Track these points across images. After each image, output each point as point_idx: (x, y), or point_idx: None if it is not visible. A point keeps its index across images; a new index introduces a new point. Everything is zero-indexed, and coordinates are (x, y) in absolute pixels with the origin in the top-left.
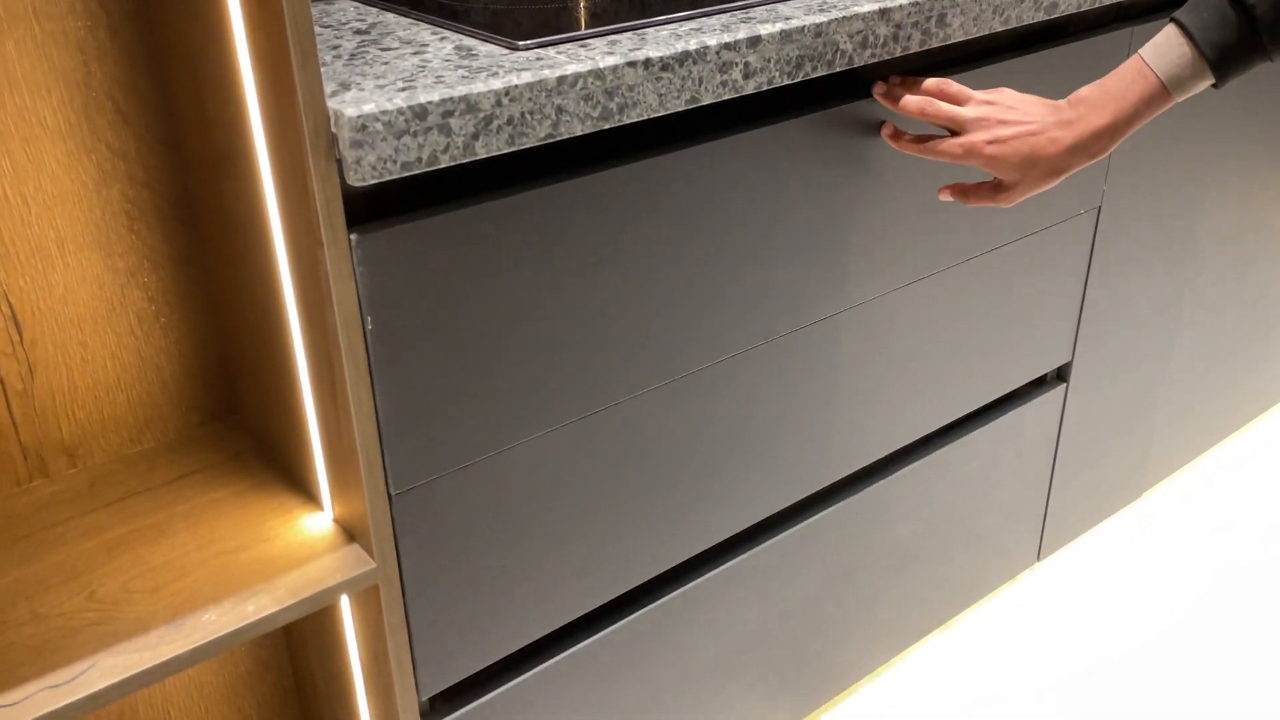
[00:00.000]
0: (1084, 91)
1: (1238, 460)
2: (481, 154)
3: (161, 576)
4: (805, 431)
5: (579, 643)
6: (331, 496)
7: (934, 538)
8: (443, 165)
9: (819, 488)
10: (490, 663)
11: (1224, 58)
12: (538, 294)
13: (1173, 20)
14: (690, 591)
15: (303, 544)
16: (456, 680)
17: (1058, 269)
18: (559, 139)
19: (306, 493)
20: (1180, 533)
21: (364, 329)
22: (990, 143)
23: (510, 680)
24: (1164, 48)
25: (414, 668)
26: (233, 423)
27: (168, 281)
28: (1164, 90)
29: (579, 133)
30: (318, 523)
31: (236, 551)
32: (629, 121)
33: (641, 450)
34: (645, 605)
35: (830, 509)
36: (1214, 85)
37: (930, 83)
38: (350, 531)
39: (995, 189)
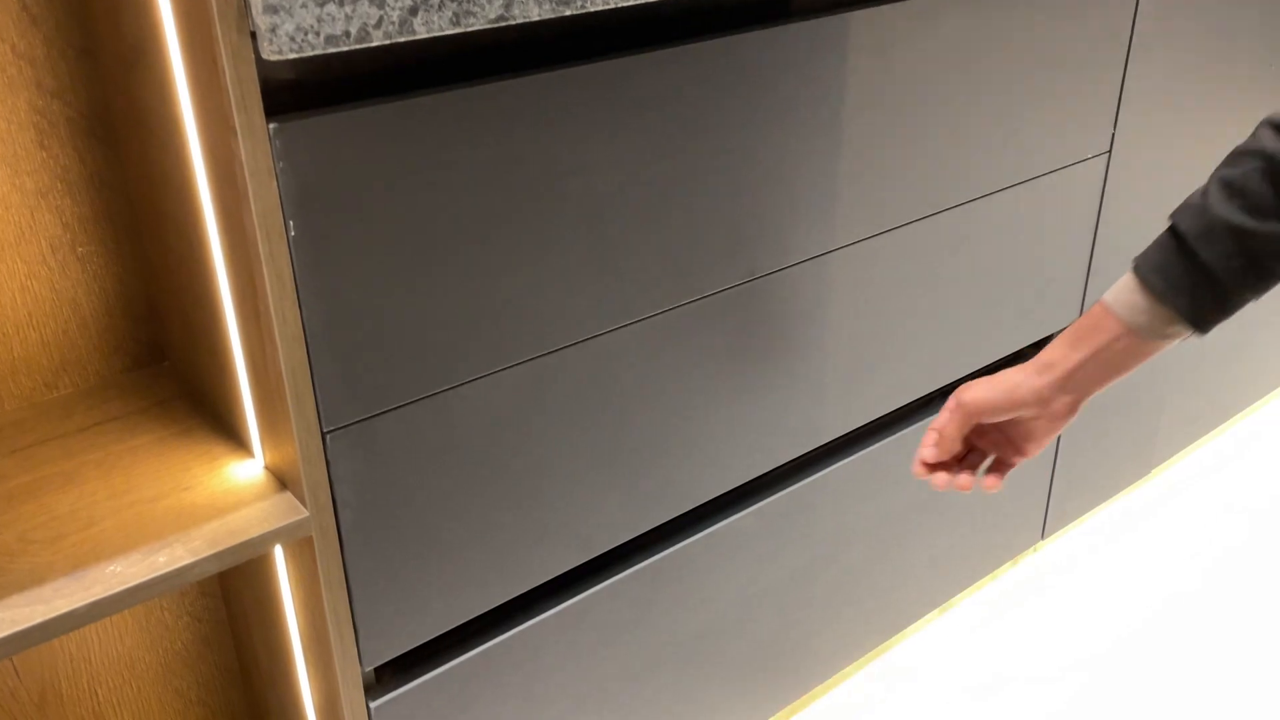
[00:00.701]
0: (1074, 363)
1: (1251, 437)
2: (421, 33)
3: (65, 526)
4: (794, 386)
5: (541, 613)
6: (261, 440)
7: (933, 511)
8: (375, 42)
9: (809, 449)
10: (441, 632)
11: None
12: (489, 207)
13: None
14: (665, 560)
15: (227, 492)
16: (403, 650)
17: (1067, 215)
18: (512, 23)
19: (236, 439)
20: (1188, 513)
21: (286, 234)
22: (1016, 456)
23: (463, 653)
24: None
25: (355, 634)
26: (162, 369)
27: (84, 206)
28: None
29: (535, 17)
30: (246, 470)
31: (152, 500)
32: (593, 9)
33: (609, 397)
34: (615, 573)
35: (821, 473)
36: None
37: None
38: (282, 479)
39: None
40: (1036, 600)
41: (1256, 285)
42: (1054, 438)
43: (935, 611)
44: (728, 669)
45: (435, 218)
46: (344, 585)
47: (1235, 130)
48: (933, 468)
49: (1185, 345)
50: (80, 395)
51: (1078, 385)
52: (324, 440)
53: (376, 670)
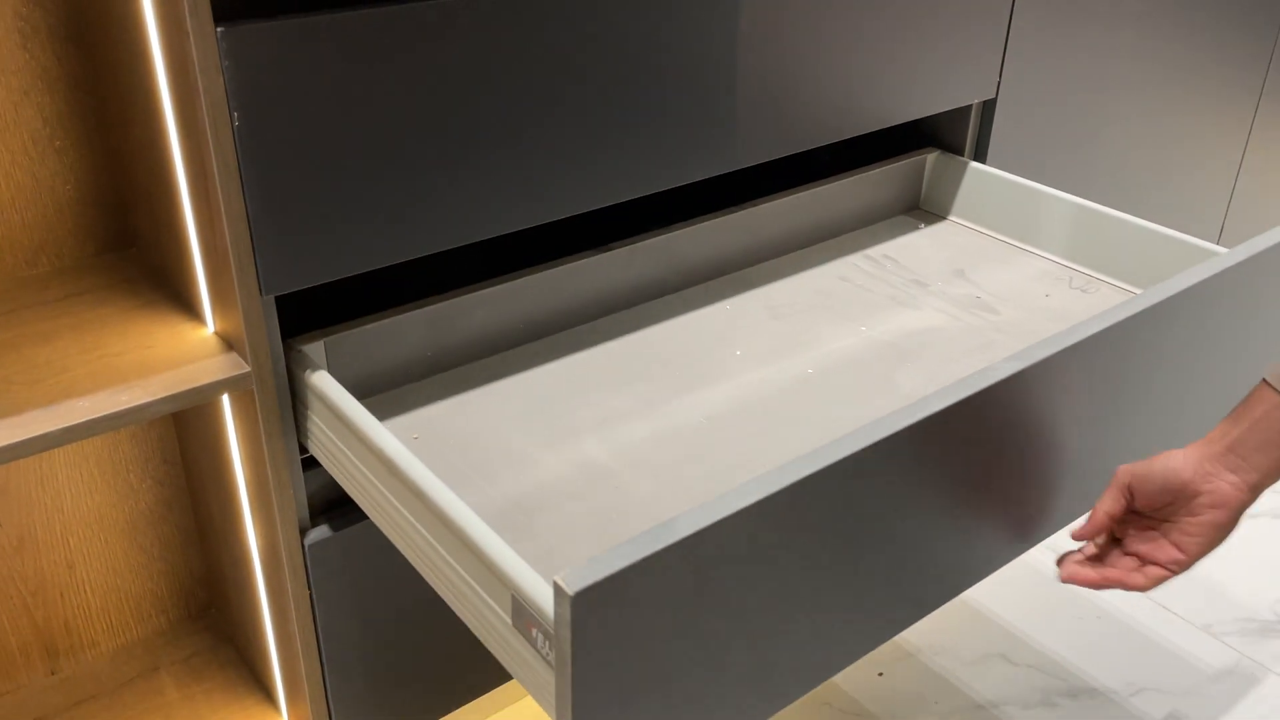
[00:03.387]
0: (1234, 436)
1: None
2: None
3: (42, 372)
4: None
5: None
6: (212, 309)
7: None
8: None
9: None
10: None
11: None
12: (427, 113)
13: None
14: None
15: (182, 351)
16: (338, 496)
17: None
18: None
19: (192, 312)
20: None
21: (231, 125)
22: (1176, 557)
23: None
24: None
25: (292, 479)
26: (130, 255)
27: (61, 104)
28: None
29: None
30: (199, 335)
31: (118, 355)
32: None
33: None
34: None
35: None
36: None
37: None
38: (229, 342)
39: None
40: None
41: None
42: (1218, 537)
43: None
44: None
45: (364, 118)
46: (281, 435)
47: (1124, 80)
48: (1079, 568)
49: None
50: (56, 273)
51: (1241, 460)
52: (264, 305)
53: (312, 515)
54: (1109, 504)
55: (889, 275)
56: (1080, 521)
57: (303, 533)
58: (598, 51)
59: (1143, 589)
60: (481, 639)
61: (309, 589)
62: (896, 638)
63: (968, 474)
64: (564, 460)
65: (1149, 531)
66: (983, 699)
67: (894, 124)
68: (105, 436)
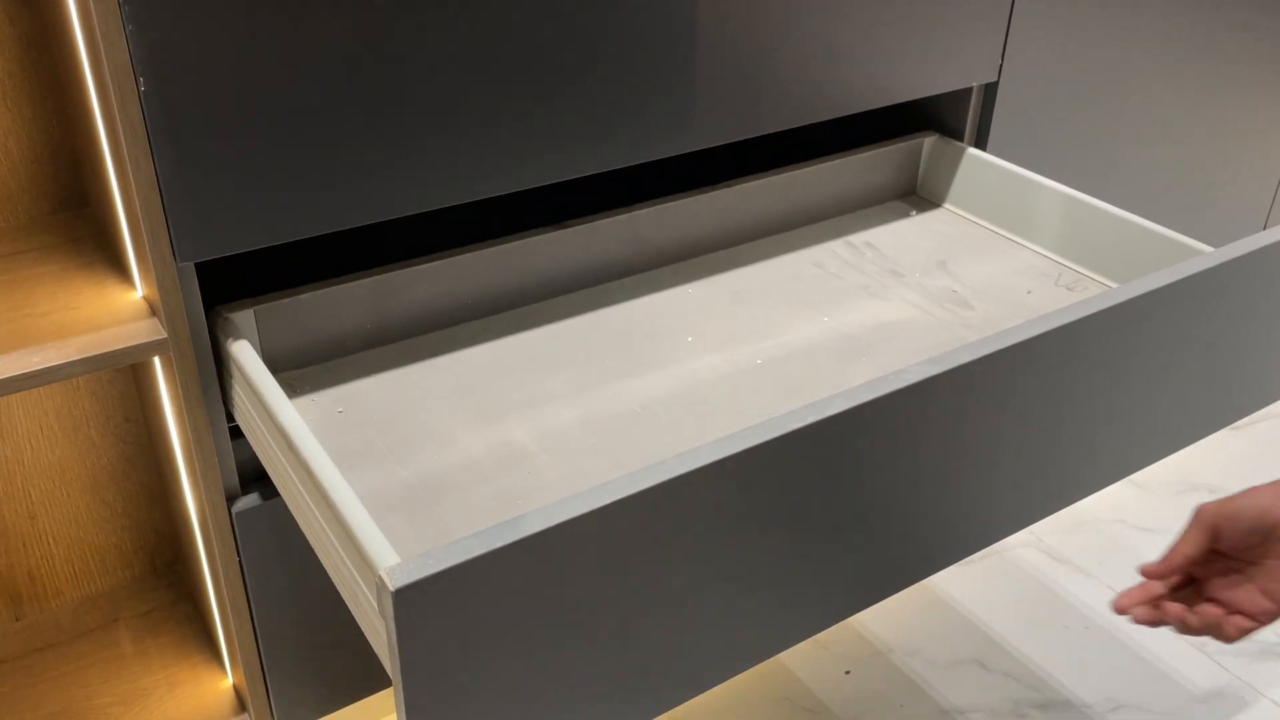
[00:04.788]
0: None
1: None
2: None
3: None
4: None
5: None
6: (139, 274)
7: None
8: None
9: None
10: None
11: None
12: (354, 74)
13: None
14: None
15: (106, 314)
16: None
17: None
18: None
19: (126, 274)
20: None
21: (137, 89)
22: (1265, 605)
23: None
24: None
25: (216, 446)
26: (84, 214)
27: (13, 64)
28: None
29: None
30: (127, 298)
31: (42, 315)
32: None
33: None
34: None
35: None
36: None
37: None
38: (153, 307)
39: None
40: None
41: None
42: None
43: None
44: None
45: (281, 80)
46: (202, 402)
47: (1141, 63)
48: (1143, 602)
49: None
50: (8, 230)
51: None
52: (181, 271)
53: (245, 483)
54: (1189, 546)
55: (865, 264)
56: (1153, 559)
57: (230, 500)
58: (544, 5)
59: (1229, 640)
60: (358, 620)
61: (238, 556)
62: (869, 635)
63: (873, 482)
64: (484, 441)
65: (1233, 575)
66: (950, 704)
67: (881, 105)
68: (64, 393)
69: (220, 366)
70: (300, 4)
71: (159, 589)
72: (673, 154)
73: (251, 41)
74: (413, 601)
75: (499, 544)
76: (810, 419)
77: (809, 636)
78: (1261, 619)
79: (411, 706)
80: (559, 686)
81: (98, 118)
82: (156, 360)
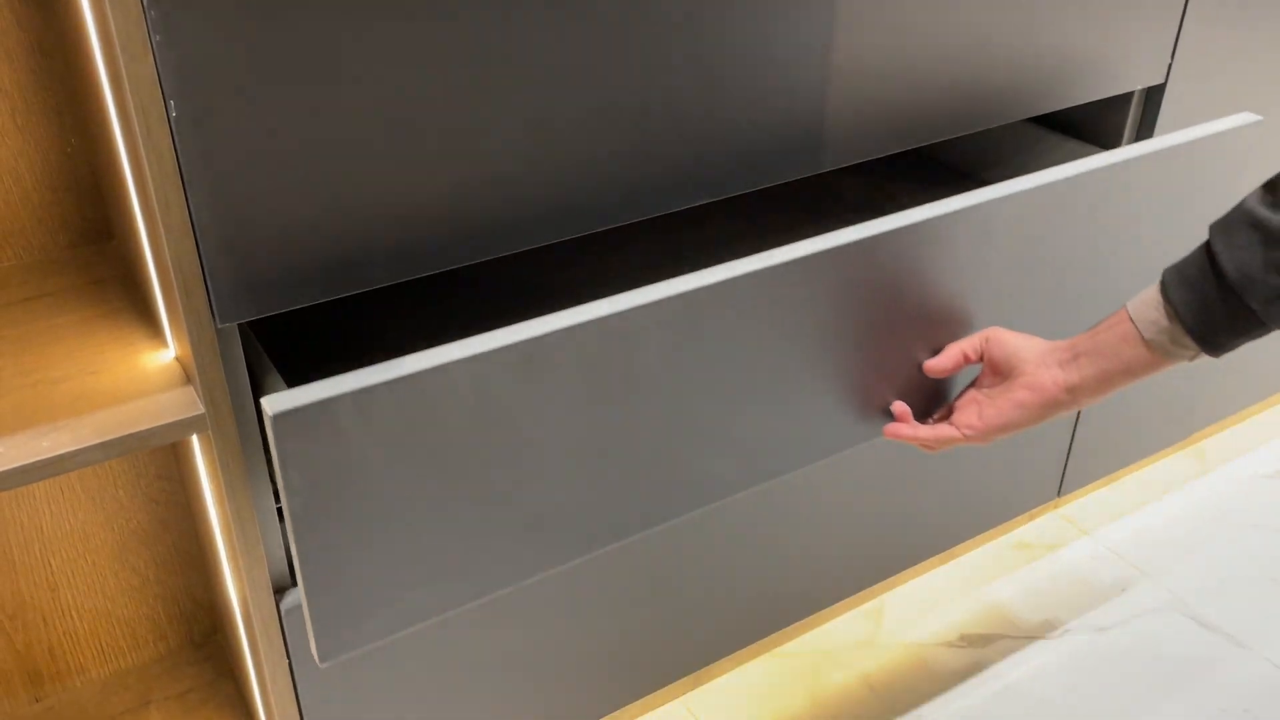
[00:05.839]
0: (1078, 343)
1: None
2: None
3: None
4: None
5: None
6: (170, 330)
7: (936, 456)
8: None
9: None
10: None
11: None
12: (437, 76)
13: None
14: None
15: (132, 380)
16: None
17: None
18: None
19: (157, 327)
20: (1235, 481)
21: (167, 114)
22: (973, 424)
23: None
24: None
25: (264, 546)
26: (109, 248)
27: (23, 74)
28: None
29: None
30: (157, 359)
31: (56, 382)
32: None
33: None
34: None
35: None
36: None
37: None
38: (188, 372)
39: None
40: (1046, 558)
41: (1268, 298)
42: (1019, 416)
43: (937, 558)
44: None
45: (343, 99)
46: (246, 487)
47: None
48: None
49: None
50: (20, 269)
51: (1071, 361)
52: (221, 336)
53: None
54: (962, 343)
55: None
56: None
57: (278, 594)
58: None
59: (928, 445)
60: None
61: (287, 659)
62: None
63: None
64: None
65: (979, 398)
66: None
67: (1033, 115)
68: None
69: (267, 444)
70: (365, 5)
71: (196, 664)
72: (805, 174)
73: (310, 54)
74: (290, 426)
75: (374, 381)
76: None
77: (684, 514)
78: (966, 431)
79: (296, 519)
80: (442, 529)
81: (120, 144)
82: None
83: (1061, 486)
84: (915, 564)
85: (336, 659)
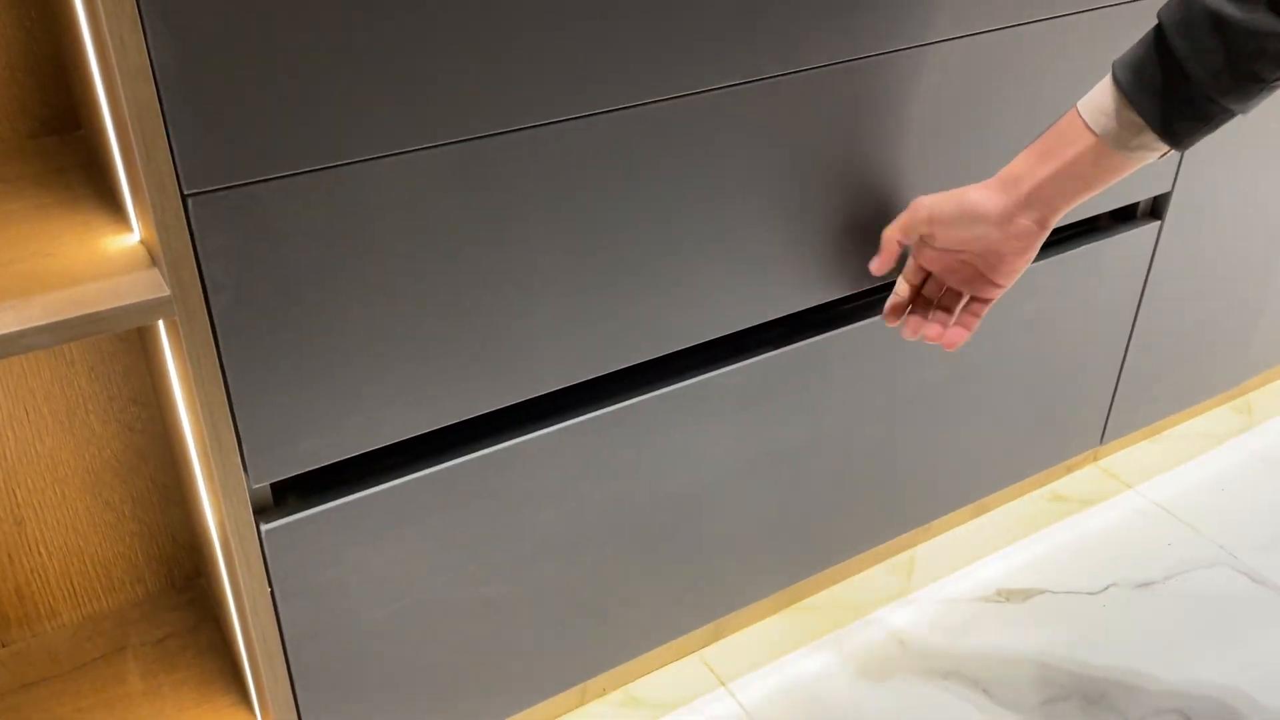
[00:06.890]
0: (1040, 179)
1: None
2: None
3: None
4: (798, 223)
5: (470, 453)
6: (134, 206)
7: (970, 396)
8: None
9: (813, 304)
10: (348, 455)
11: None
12: None
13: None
14: (621, 414)
15: (89, 263)
16: (299, 470)
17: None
18: None
19: (121, 210)
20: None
21: None
22: (988, 290)
23: (375, 485)
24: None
25: (239, 442)
26: (74, 137)
27: None
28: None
29: None
30: (118, 242)
31: (4, 265)
32: None
33: (570, 201)
34: (564, 419)
35: (826, 336)
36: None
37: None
38: (153, 254)
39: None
40: (1086, 512)
41: (1234, 91)
42: (1026, 263)
43: (969, 509)
44: (690, 549)
45: None
46: (220, 381)
47: None
48: (901, 311)
49: None
50: None
51: (1044, 202)
52: (185, 205)
53: (275, 491)
54: (896, 226)
55: None
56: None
57: (259, 515)
58: None
59: (960, 339)
60: None
61: (269, 586)
62: None
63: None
64: None
65: (956, 272)
66: None
67: None
68: (54, 368)
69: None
70: None
71: (176, 610)
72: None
73: None
74: (208, 208)
75: (301, 170)
76: None
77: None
78: (988, 296)
79: (222, 317)
80: (379, 346)
81: None
82: (161, 325)
83: (1104, 433)
84: (946, 514)
85: (270, 480)
